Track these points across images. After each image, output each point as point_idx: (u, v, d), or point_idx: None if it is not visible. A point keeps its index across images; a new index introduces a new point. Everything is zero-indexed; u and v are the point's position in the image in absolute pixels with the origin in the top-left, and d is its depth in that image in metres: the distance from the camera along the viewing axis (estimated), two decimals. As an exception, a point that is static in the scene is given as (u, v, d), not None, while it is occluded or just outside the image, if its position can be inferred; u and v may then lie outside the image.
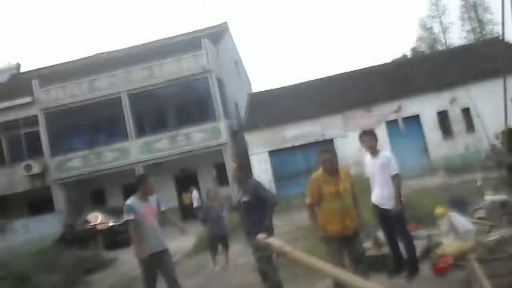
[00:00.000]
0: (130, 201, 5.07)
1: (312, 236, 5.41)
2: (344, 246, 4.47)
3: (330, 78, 21.14)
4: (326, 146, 17.73)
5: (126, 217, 4.95)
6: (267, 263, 4.84)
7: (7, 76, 25.19)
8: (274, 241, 3.16)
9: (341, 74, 21.29)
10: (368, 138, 5.22)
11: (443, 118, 17.67)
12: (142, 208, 4.99)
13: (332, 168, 4.50)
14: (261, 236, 2.97)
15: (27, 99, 19.92)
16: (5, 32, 76.09)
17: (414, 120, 17.72)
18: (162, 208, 5.27)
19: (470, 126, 17.14)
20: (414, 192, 9.92)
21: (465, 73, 17.07)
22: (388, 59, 39.60)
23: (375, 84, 18.71)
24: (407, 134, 17.58)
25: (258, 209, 4.89)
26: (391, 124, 17.72)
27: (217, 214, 7.91)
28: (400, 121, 17.66)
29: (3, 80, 24.62)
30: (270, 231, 4.88)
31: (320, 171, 4.60)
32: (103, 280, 9.08)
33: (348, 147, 16.52)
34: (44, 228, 16.37)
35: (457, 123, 17.52)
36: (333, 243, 4.44)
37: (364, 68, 21.03)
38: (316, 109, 18.29)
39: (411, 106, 17.64)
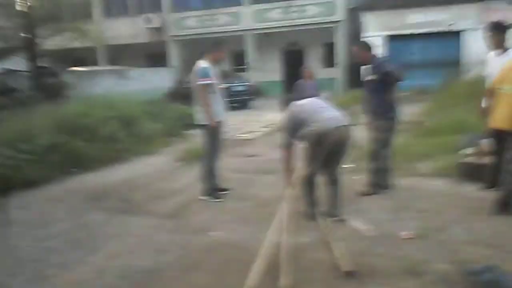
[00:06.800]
0: (205, 64, 4.83)
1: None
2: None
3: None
4: (451, 37, 16.01)
5: (203, 80, 4.72)
6: (383, 146, 4.66)
7: None
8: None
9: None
10: (496, 31, 4.39)
11: None
12: (214, 73, 4.84)
13: None
14: None
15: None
16: None
17: None
18: None
19: None
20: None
21: None
22: None
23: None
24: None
25: (384, 88, 4.50)
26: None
27: (311, 92, 7.70)
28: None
29: None
30: (394, 110, 4.55)
31: None
32: (197, 135, 9.70)
33: (477, 43, 14.51)
34: (156, 80, 17.55)
35: None
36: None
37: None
38: (448, -5, 16.01)
39: None
